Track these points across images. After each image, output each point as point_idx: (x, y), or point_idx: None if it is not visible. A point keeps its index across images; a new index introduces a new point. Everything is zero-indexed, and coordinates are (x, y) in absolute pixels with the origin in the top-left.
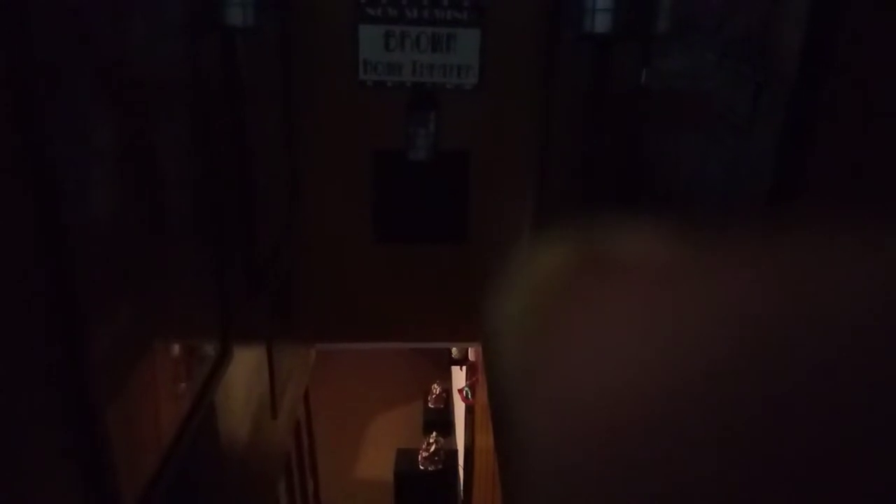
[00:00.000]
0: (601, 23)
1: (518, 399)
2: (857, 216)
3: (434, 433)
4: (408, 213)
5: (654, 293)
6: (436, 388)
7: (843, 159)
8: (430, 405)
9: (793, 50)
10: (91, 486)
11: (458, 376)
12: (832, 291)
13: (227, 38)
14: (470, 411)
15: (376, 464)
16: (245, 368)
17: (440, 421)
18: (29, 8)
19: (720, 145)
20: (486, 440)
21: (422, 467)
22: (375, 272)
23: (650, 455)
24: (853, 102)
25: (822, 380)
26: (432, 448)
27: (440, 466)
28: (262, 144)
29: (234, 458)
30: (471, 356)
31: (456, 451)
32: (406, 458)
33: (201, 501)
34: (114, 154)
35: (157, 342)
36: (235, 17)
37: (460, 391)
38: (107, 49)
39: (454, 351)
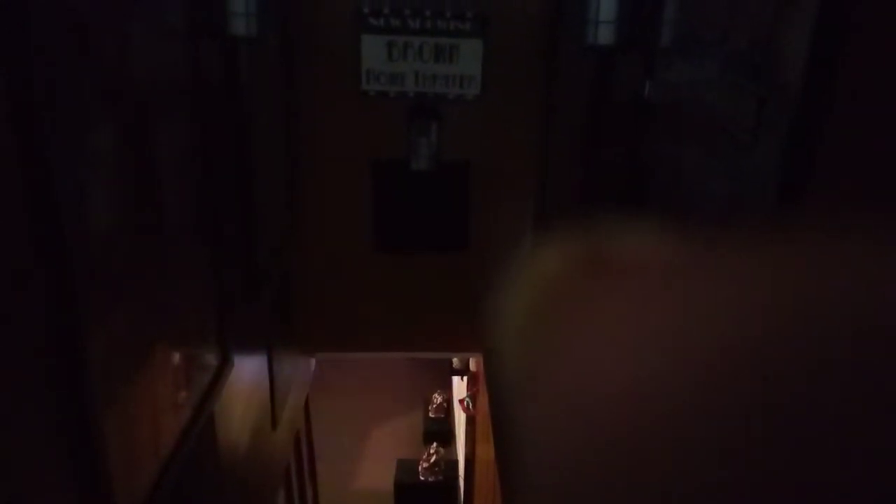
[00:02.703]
0: (604, 34)
1: (519, 410)
2: (861, 225)
3: (434, 443)
4: (409, 222)
5: (656, 302)
6: (436, 398)
7: (847, 172)
8: (430, 415)
9: (796, 63)
10: (88, 497)
11: (459, 386)
12: (834, 294)
13: (230, 47)
14: (471, 422)
15: (376, 474)
16: (245, 378)
17: (441, 431)
18: (29, 13)
19: (723, 158)
20: (487, 451)
21: (422, 478)
22: (376, 281)
23: (652, 467)
24: (857, 116)
25: (824, 382)
26: (433, 458)
27: (440, 477)
28: (263, 153)
29: (233, 468)
30: (472, 366)
31: (456, 462)
32: (406, 468)
33: None
34: (113, 160)
35: (156, 351)
36: (238, 27)
37: (461, 401)
38: (108, 54)
39: (455, 361)
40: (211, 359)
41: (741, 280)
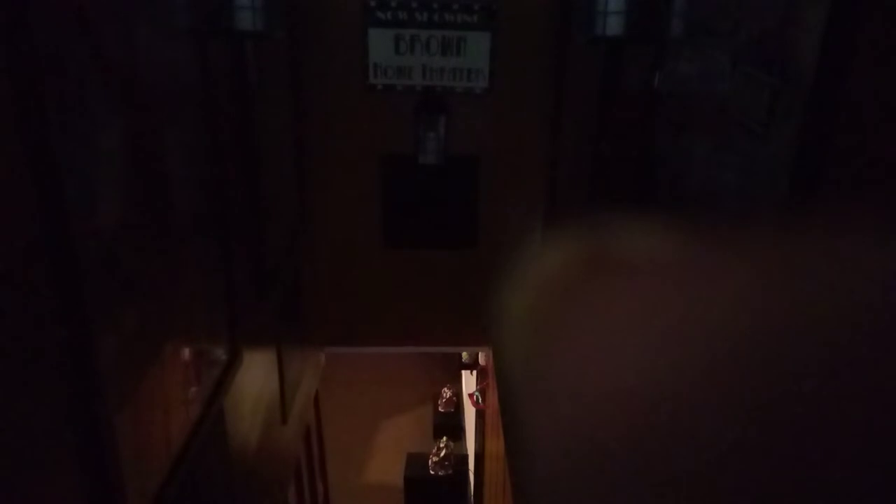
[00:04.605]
0: (613, 26)
1: (529, 403)
2: (873, 219)
3: (444, 437)
4: (417, 217)
5: (663, 297)
6: (446, 393)
7: (861, 163)
8: (440, 409)
9: (810, 54)
10: (99, 491)
11: (469, 380)
12: (838, 292)
13: (237, 42)
14: (480, 416)
15: (386, 468)
16: (255, 372)
17: (450, 425)
18: (34, 12)
19: (735, 150)
20: (496, 445)
21: (432, 472)
22: (385, 275)
23: (659, 463)
24: (872, 107)
25: (835, 378)
26: (442, 453)
27: (450, 471)
28: (271, 148)
29: (243, 463)
30: (481, 360)
31: (466, 456)
32: (416, 462)
33: None
34: (122, 158)
35: (166, 347)
36: (245, 22)
37: (471, 395)
38: (115, 52)
39: (464, 355)
40: (221, 354)
41: (752, 276)
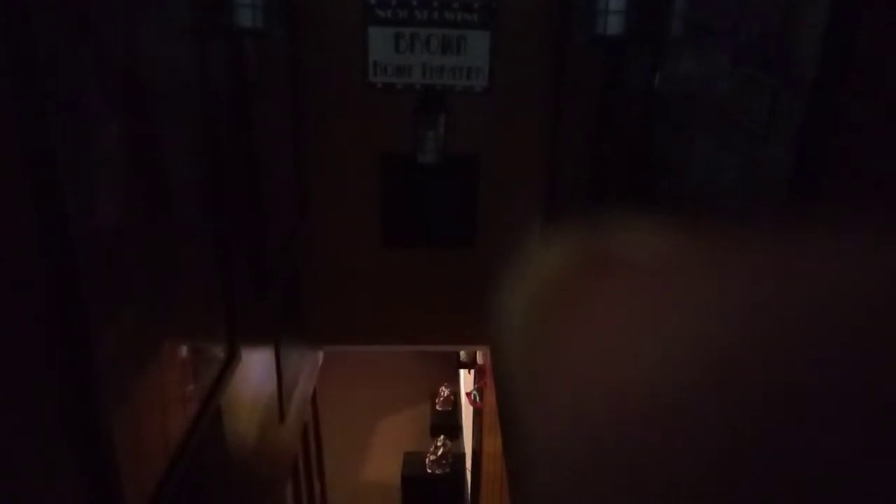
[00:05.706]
0: (613, 25)
1: (527, 402)
2: (873, 219)
3: (442, 436)
4: (416, 216)
5: (663, 296)
6: (443, 391)
7: (860, 165)
8: (437, 408)
9: (811, 54)
10: (95, 491)
11: (467, 379)
12: (838, 293)
13: (236, 40)
14: (478, 415)
15: (383, 467)
16: (253, 371)
17: (448, 424)
18: (34, 12)
19: (735, 151)
20: (494, 444)
21: (429, 471)
22: (383, 274)
23: (657, 462)
24: (872, 107)
25: (825, 380)
26: (440, 451)
27: (448, 470)
28: (270, 146)
29: (241, 461)
30: (479, 359)
31: (464, 455)
32: (413, 461)
33: None
34: (120, 156)
35: (164, 345)
36: (245, 19)
37: (468, 394)
38: (115, 51)
39: (462, 354)
40: (219, 352)
41: (752, 276)
